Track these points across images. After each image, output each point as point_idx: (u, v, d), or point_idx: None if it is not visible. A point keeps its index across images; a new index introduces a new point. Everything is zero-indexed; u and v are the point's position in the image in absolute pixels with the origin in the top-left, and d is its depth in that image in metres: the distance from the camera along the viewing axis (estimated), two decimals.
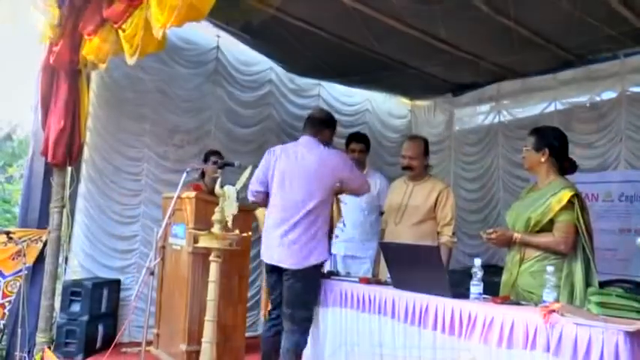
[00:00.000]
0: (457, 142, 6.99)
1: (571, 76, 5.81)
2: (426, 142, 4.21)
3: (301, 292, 3.55)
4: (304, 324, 3.58)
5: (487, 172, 6.54)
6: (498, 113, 6.56)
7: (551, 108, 6.06)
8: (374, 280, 3.65)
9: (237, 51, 6.19)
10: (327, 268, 4.51)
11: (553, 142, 3.31)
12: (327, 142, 3.91)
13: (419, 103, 7.56)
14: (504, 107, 6.52)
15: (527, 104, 6.34)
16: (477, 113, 6.82)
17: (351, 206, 4.61)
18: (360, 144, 5.07)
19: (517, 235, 3.22)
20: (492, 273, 3.57)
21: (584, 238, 3.11)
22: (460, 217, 6.48)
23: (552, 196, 3.16)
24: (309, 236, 3.53)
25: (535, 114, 6.22)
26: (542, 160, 3.30)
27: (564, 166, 3.31)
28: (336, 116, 6.78)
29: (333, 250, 4.78)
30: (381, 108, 7.36)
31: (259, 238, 6.11)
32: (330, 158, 3.69)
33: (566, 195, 3.12)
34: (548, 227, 3.17)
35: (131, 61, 3.99)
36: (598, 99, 5.67)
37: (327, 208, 3.66)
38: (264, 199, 3.74)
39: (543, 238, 3.17)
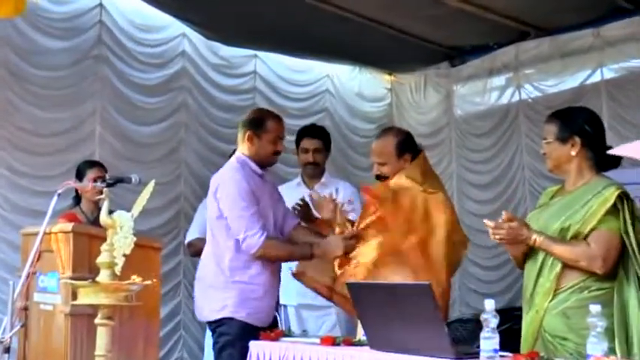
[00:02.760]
0: (459, 132, 7.06)
1: (623, 31, 5.93)
2: (400, 136, 4.20)
3: None
4: None
5: (505, 174, 6.62)
6: (518, 88, 6.65)
7: (596, 77, 6.18)
8: (342, 339, 3.65)
9: (131, 10, 6.17)
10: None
11: (584, 128, 3.39)
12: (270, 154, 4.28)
13: (402, 78, 7.63)
14: (527, 79, 6.62)
15: (560, 73, 6.45)
16: (488, 89, 6.91)
17: None
18: (314, 140, 5.10)
19: (537, 237, 3.28)
20: (517, 318, 3.61)
21: (637, 258, 3.18)
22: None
23: (595, 197, 3.24)
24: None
25: (573, 87, 6.35)
26: (573, 153, 3.38)
27: (601, 159, 3.39)
28: (283, 102, 6.99)
29: (282, 300, 4.77)
30: (348, 88, 7.41)
31: (174, 288, 6.20)
32: (219, 175, 4.25)
33: (612, 194, 3.20)
34: None
35: None
36: None
37: (223, 247, 4.12)
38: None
39: (573, 247, 3.26)
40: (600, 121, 3.51)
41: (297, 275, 4.37)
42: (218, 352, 4.14)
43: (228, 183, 4.12)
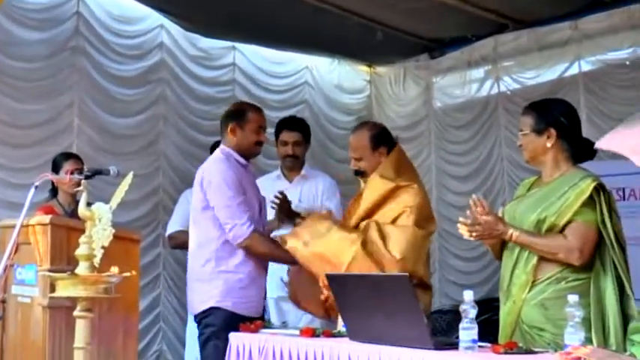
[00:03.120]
0: (439, 124, 7.09)
1: (601, 24, 5.97)
2: (374, 130, 4.21)
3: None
4: None
5: (484, 166, 6.65)
6: (497, 80, 6.69)
7: (574, 70, 6.23)
8: (321, 331, 3.67)
9: (109, 1, 6.15)
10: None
11: (560, 119, 3.42)
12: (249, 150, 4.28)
13: (382, 70, 7.65)
14: (505, 71, 6.65)
15: (538, 66, 6.49)
16: (467, 81, 6.94)
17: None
18: (294, 133, 5.10)
19: (513, 232, 3.31)
20: (495, 309, 3.63)
21: (614, 250, 3.21)
22: (447, 232, 6.56)
23: (571, 189, 3.27)
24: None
25: (551, 79, 6.39)
26: (549, 144, 3.41)
27: (577, 150, 3.42)
28: (262, 94, 6.99)
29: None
30: (327, 80, 7.43)
31: (153, 280, 6.20)
32: (205, 166, 4.21)
33: (588, 186, 3.23)
34: None
35: None
36: None
37: (209, 237, 4.10)
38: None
39: (550, 240, 3.28)
40: (576, 113, 3.54)
41: (292, 300, 4.42)
42: (203, 343, 4.14)
43: (214, 173, 4.13)
